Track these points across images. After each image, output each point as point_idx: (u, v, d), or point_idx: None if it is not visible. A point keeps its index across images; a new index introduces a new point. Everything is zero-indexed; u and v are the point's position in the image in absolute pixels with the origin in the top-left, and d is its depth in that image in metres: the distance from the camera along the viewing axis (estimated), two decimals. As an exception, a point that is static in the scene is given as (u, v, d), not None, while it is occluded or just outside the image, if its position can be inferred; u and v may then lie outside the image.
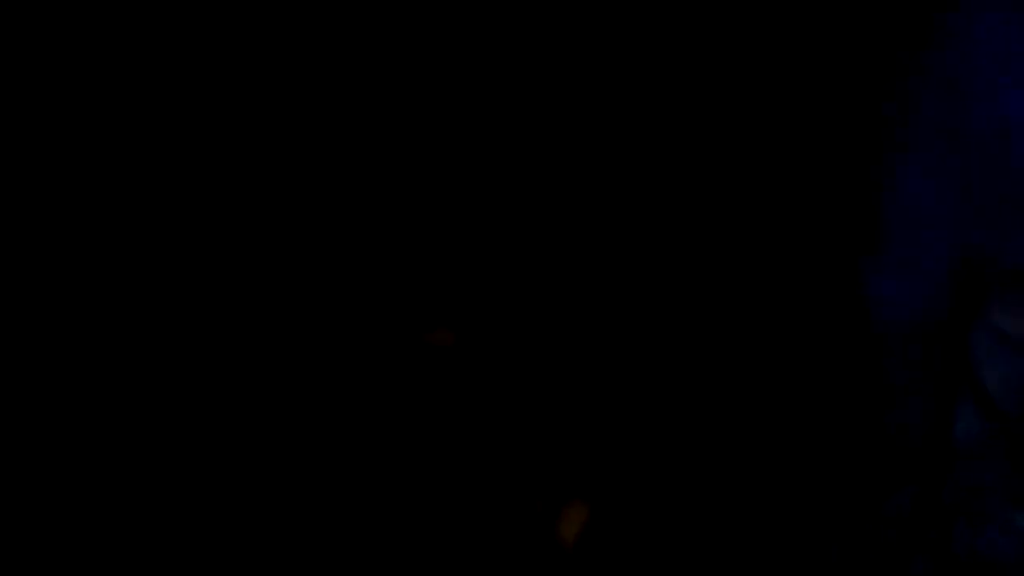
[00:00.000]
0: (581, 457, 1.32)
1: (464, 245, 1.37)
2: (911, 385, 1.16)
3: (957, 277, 1.14)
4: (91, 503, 1.27)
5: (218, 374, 1.33)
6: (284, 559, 1.28)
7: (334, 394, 1.34)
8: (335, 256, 1.37)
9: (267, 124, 1.37)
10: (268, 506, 1.30)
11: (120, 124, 1.35)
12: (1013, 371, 1.15)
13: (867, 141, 1.17)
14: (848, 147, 1.19)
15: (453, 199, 1.38)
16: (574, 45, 1.34)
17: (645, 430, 1.31)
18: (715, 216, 1.30)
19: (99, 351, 1.33)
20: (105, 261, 1.36)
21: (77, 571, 1.24)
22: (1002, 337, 1.14)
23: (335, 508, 1.30)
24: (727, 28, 1.31)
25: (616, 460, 1.32)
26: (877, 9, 1.20)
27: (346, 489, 1.30)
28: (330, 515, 1.29)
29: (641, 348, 1.34)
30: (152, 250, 1.35)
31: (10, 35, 1.30)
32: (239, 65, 1.36)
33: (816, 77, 1.25)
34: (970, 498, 1.14)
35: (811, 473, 1.22)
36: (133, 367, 1.33)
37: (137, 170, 1.36)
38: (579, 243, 1.37)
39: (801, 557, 1.23)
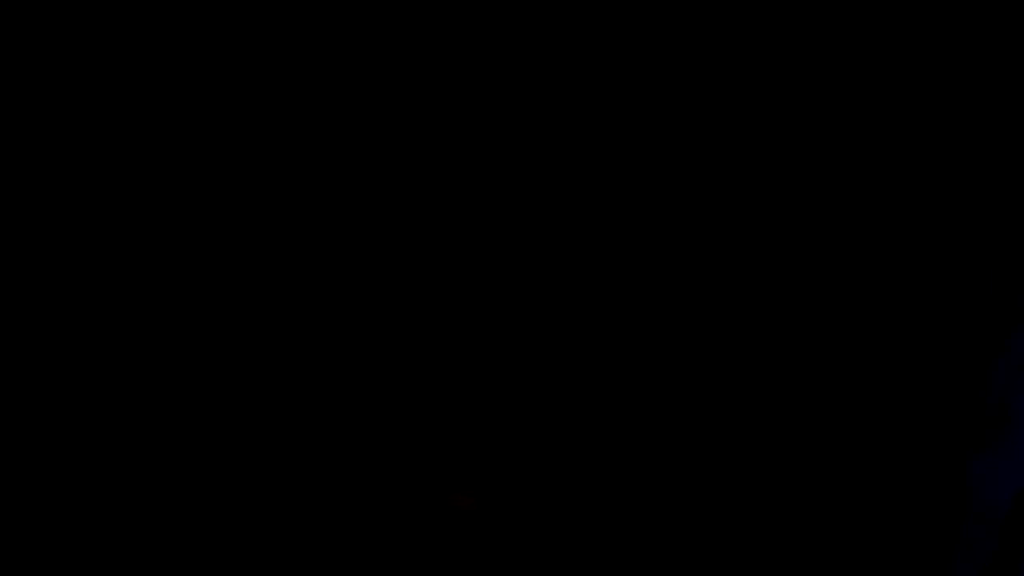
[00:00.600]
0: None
1: (486, 407, 1.36)
2: (989, 537, 1.23)
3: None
4: (91, 503, 1.27)
5: (243, 528, 1.32)
6: None
7: (360, 553, 1.32)
8: (362, 420, 1.36)
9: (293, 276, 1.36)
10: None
11: (128, 131, 1.34)
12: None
13: (987, 346, 1.25)
14: (971, 350, 1.27)
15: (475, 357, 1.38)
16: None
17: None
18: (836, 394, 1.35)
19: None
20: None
21: (77, 571, 1.23)
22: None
23: None
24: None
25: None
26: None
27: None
28: None
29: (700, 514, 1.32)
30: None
31: (10, 35, 1.29)
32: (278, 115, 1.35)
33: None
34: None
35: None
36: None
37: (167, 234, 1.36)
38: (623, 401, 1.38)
39: None
